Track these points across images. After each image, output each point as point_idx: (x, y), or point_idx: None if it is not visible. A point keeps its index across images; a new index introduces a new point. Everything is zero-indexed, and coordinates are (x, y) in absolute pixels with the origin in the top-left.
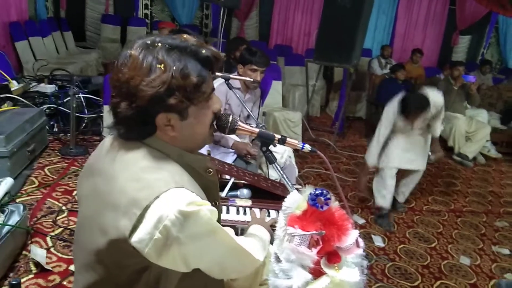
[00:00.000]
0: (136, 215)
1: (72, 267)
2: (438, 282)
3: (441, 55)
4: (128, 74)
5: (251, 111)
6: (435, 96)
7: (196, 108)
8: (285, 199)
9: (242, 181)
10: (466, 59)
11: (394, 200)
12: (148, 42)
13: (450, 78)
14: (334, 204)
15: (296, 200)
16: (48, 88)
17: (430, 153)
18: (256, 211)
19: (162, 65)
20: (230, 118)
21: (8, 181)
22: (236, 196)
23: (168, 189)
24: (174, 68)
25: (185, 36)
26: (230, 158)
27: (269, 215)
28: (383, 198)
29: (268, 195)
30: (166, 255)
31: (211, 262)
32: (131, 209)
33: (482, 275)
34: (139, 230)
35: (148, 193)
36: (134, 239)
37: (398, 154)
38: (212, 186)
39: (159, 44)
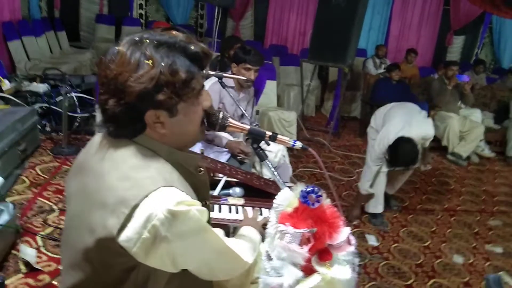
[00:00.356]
0: (125, 214)
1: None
2: (432, 281)
3: (436, 55)
4: (116, 70)
5: (245, 110)
6: (428, 130)
7: (186, 104)
8: (276, 197)
9: (235, 180)
10: (460, 59)
11: (386, 195)
12: (136, 38)
13: (444, 78)
14: (326, 201)
15: (287, 198)
16: (41, 87)
17: (421, 165)
18: (249, 209)
19: (150, 61)
20: (221, 115)
21: None
22: (229, 195)
23: (157, 188)
24: (163, 64)
25: (173, 32)
26: (223, 157)
27: (261, 214)
28: (374, 207)
29: (260, 194)
30: (154, 254)
31: (199, 263)
32: (119, 208)
33: (475, 274)
34: (127, 229)
35: (137, 192)
36: (122, 238)
37: (387, 180)
38: (202, 185)
39: (147, 40)
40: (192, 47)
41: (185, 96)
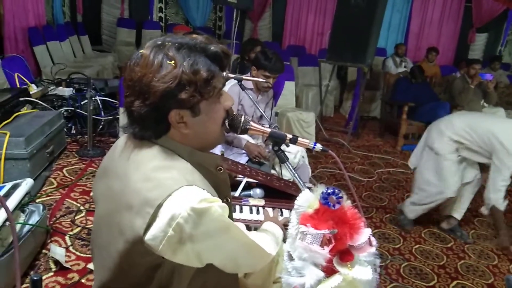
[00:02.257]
0: (150, 213)
1: (90, 266)
2: (455, 282)
3: (457, 53)
4: (140, 72)
5: (263, 112)
6: None
7: (207, 103)
8: (297, 198)
9: (255, 181)
10: (483, 57)
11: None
12: (159, 42)
13: (466, 76)
14: (346, 203)
15: (308, 199)
16: (66, 91)
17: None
18: (269, 210)
19: (173, 61)
20: (242, 118)
21: (28, 182)
22: (249, 196)
23: (180, 187)
24: (184, 64)
25: (194, 35)
26: (243, 159)
27: (282, 215)
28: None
29: (281, 195)
30: (180, 251)
31: (224, 258)
32: (144, 208)
33: (499, 276)
34: (152, 228)
35: (160, 192)
36: (148, 236)
37: None
38: (222, 184)
39: (169, 43)
40: (212, 48)
41: (206, 94)
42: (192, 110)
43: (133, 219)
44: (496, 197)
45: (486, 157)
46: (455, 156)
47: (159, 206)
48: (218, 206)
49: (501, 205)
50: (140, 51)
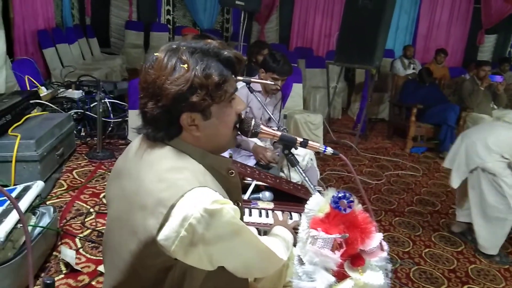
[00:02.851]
0: (163, 214)
1: (100, 268)
2: (465, 287)
3: (466, 55)
4: (154, 74)
5: (272, 114)
6: None
7: (219, 107)
8: (308, 202)
9: (264, 184)
10: (492, 59)
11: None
12: (174, 46)
13: (476, 78)
14: (357, 207)
15: (319, 203)
16: (76, 94)
17: None
18: (279, 213)
19: (186, 65)
20: (253, 122)
21: (39, 184)
22: (258, 199)
23: (192, 188)
24: (197, 67)
25: (208, 40)
26: (251, 161)
27: (291, 218)
28: None
29: (290, 198)
30: (192, 252)
31: (235, 260)
32: (157, 208)
33: (511, 280)
34: (165, 228)
35: (173, 193)
36: (161, 237)
37: None
38: (234, 187)
39: (183, 47)
40: (225, 53)
41: (218, 98)
42: (204, 113)
43: (146, 219)
44: None
45: None
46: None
47: (172, 206)
48: (230, 207)
49: None
50: (155, 54)
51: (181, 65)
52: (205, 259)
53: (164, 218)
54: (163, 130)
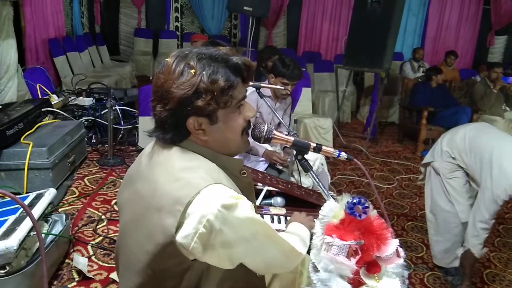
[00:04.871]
0: (180, 211)
1: (112, 275)
2: None
3: (476, 56)
4: (163, 78)
5: (282, 119)
6: None
7: (225, 112)
8: (322, 208)
9: (276, 189)
10: (503, 60)
11: None
12: (185, 52)
13: (487, 80)
14: (373, 212)
15: (333, 209)
16: (86, 101)
17: None
18: (296, 213)
19: (193, 70)
20: (266, 127)
21: (51, 192)
22: (270, 205)
23: (208, 185)
24: (204, 73)
25: (219, 47)
26: (261, 167)
27: None
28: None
29: (302, 203)
30: (211, 249)
31: (256, 256)
32: (174, 207)
33: None
34: (184, 226)
35: (189, 190)
36: (180, 235)
37: None
38: (247, 188)
39: (192, 53)
40: (234, 59)
41: (223, 103)
42: (210, 118)
43: (163, 219)
44: (473, 242)
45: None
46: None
47: (189, 203)
48: (245, 202)
49: (478, 252)
50: (166, 59)
51: (189, 70)
52: (225, 257)
53: (181, 216)
54: (171, 132)
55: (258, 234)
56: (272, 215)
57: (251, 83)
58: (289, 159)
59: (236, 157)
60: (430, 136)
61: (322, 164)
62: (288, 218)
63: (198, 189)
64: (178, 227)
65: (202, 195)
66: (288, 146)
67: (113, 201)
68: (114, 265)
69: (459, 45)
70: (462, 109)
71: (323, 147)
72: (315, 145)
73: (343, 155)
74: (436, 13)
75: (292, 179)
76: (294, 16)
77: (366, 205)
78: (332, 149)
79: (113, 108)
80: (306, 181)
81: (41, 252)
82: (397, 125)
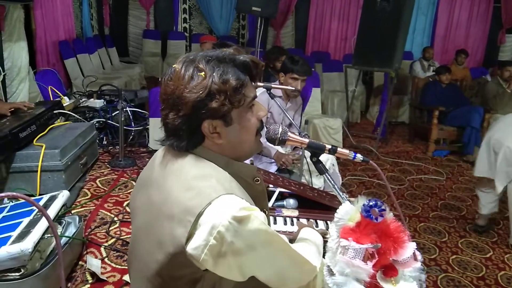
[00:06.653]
0: (191, 222)
1: (125, 277)
2: None
3: (487, 55)
4: (173, 85)
5: (292, 119)
6: None
7: (239, 112)
8: (337, 210)
9: (288, 191)
10: None
11: None
12: (191, 57)
13: (500, 79)
14: (389, 215)
15: (349, 212)
16: (97, 103)
17: None
18: (303, 221)
19: (203, 73)
20: (280, 129)
21: (65, 194)
22: (283, 206)
23: (219, 195)
24: (214, 74)
25: (224, 48)
26: (273, 168)
27: (316, 226)
28: None
29: (315, 205)
30: (222, 261)
31: (268, 270)
32: (185, 217)
33: None
34: (194, 237)
35: (200, 201)
36: (191, 246)
37: None
38: (260, 195)
39: (199, 57)
40: (241, 58)
41: (237, 103)
42: (224, 119)
43: (174, 229)
44: None
45: None
46: None
47: (200, 214)
48: (258, 213)
49: None
50: (173, 66)
51: (198, 74)
52: (235, 269)
53: (192, 226)
54: (186, 139)
55: (271, 248)
56: (284, 217)
57: (261, 84)
58: (298, 153)
59: (248, 162)
60: (442, 136)
61: (333, 164)
62: (301, 220)
63: (209, 200)
64: (189, 238)
65: (213, 206)
66: (302, 148)
67: (125, 203)
68: (127, 267)
69: (469, 44)
70: (475, 108)
71: (338, 149)
72: (330, 146)
73: (359, 157)
74: (446, 11)
75: (303, 180)
76: (302, 16)
77: (383, 207)
78: (347, 151)
79: (124, 109)
80: (317, 182)
81: (59, 254)
82: (407, 125)
